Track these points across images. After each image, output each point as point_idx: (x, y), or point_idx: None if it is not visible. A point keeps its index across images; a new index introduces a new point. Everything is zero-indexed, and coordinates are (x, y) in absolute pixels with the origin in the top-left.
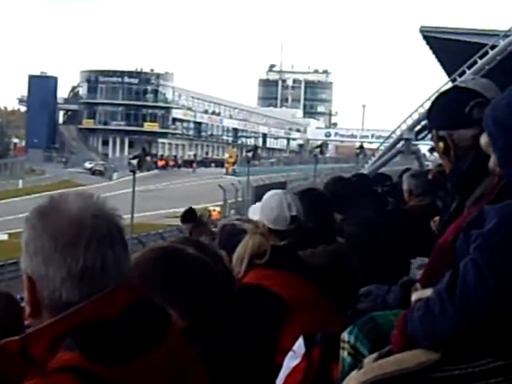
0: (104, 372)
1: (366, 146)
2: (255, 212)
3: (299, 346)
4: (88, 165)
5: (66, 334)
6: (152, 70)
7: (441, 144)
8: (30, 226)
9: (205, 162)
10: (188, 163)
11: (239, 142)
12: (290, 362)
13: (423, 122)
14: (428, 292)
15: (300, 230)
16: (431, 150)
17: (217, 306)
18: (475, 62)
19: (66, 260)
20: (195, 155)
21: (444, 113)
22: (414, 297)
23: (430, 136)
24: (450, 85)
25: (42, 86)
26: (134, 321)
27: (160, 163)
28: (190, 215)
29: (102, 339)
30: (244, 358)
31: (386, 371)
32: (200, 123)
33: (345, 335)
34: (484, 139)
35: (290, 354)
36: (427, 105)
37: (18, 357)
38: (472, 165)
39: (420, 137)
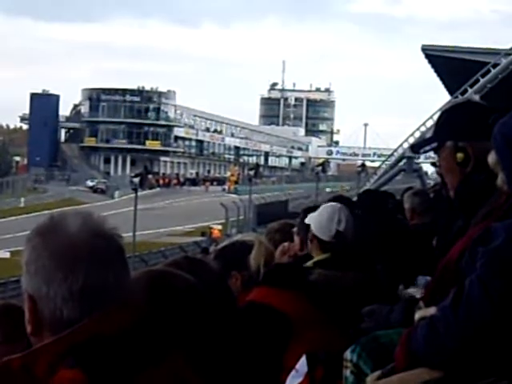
0: None
1: (367, 164)
2: (312, 216)
3: (302, 364)
4: (90, 183)
5: (67, 352)
6: (154, 89)
7: (460, 155)
8: (31, 246)
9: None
10: (191, 181)
11: (241, 160)
12: (293, 380)
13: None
14: (432, 310)
15: (343, 246)
16: (434, 164)
17: (208, 330)
18: (477, 81)
19: (66, 279)
20: (197, 173)
21: (466, 123)
22: (418, 315)
23: (427, 148)
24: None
25: (43, 104)
26: (134, 340)
27: (162, 181)
28: None
29: (102, 358)
30: (249, 377)
31: None
32: (202, 141)
33: (347, 354)
34: (492, 158)
35: (293, 372)
36: (429, 123)
37: (20, 374)
38: (490, 175)
39: (422, 150)
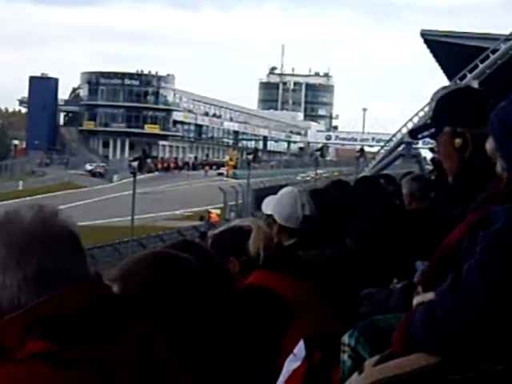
0: (71, 355)
1: (366, 149)
2: (269, 205)
3: (300, 348)
4: (88, 167)
5: (33, 326)
6: (153, 73)
7: (458, 140)
8: None
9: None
10: (189, 165)
11: (240, 144)
12: (291, 365)
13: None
14: (430, 295)
15: (311, 229)
16: (432, 150)
17: (209, 313)
18: (476, 66)
19: (20, 266)
20: (196, 157)
21: (464, 109)
22: (416, 300)
23: (426, 134)
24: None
25: (42, 88)
26: (95, 310)
27: (161, 165)
28: None
29: (67, 327)
30: (247, 361)
31: (385, 375)
32: (201, 126)
33: (345, 338)
34: (490, 144)
35: (291, 357)
36: (428, 108)
37: None
38: (488, 161)
39: (420, 136)
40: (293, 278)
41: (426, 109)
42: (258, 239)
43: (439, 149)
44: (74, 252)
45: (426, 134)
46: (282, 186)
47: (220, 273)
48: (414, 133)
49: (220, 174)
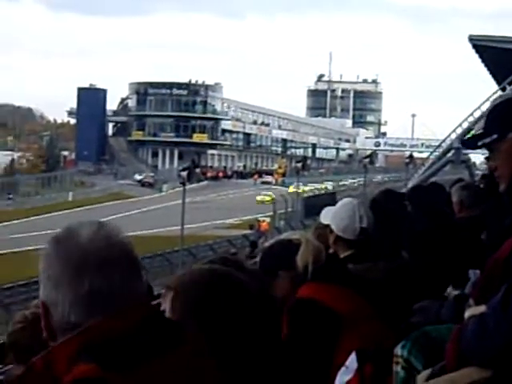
0: (118, 379)
1: (415, 155)
2: (327, 215)
3: (352, 360)
4: (138, 177)
5: (81, 350)
6: (201, 82)
7: None
8: (45, 254)
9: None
10: (238, 174)
11: (288, 152)
12: (343, 377)
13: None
14: (481, 308)
15: (367, 241)
16: (488, 159)
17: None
18: None
19: (73, 284)
20: (245, 166)
21: None
22: (468, 313)
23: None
24: (499, 93)
25: (91, 99)
26: (143, 332)
27: (209, 174)
28: None
29: (113, 350)
30: (299, 374)
31: None
32: (249, 134)
33: (398, 350)
34: None
35: (343, 369)
36: (477, 114)
37: (43, 374)
38: None
39: (481, 143)
40: (343, 291)
41: (476, 114)
42: (306, 252)
43: (500, 156)
44: (130, 271)
45: (487, 140)
46: (330, 194)
47: (263, 289)
48: (473, 140)
49: (265, 183)
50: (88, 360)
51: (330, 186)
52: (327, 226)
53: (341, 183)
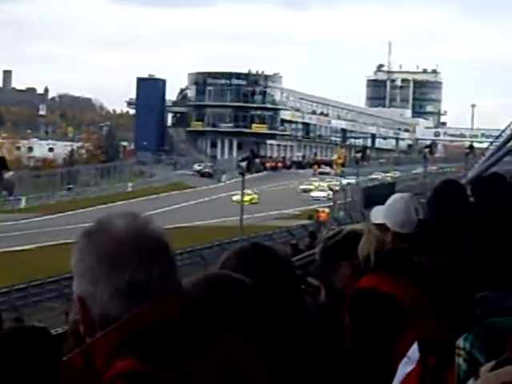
0: (158, 374)
1: (475, 145)
2: (377, 214)
3: (414, 351)
4: (197, 167)
5: (120, 344)
6: (260, 72)
7: None
8: (77, 248)
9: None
10: (297, 164)
11: (348, 142)
12: (405, 368)
13: None
14: None
15: (425, 233)
16: None
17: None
18: None
19: (111, 277)
20: (304, 156)
21: None
22: None
23: None
24: None
25: (150, 89)
26: (182, 323)
27: (268, 165)
28: None
29: (154, 343)
30: (362, 364)
31: (503, 381)
32: (308, 124)
33: (460, 342)
34: None
35: (405, 359)
36: None
37: (82, 369)
38: None
39: None
40: (404, 281)
41: None
42: (368, 242)
43: None
44: (166, 263)
45: None
46: (389, 184)
47: (286, 280)
48: None
49: (322, 174)
50: (128, 354)
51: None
52: (380, 225)
53: (400, 173)
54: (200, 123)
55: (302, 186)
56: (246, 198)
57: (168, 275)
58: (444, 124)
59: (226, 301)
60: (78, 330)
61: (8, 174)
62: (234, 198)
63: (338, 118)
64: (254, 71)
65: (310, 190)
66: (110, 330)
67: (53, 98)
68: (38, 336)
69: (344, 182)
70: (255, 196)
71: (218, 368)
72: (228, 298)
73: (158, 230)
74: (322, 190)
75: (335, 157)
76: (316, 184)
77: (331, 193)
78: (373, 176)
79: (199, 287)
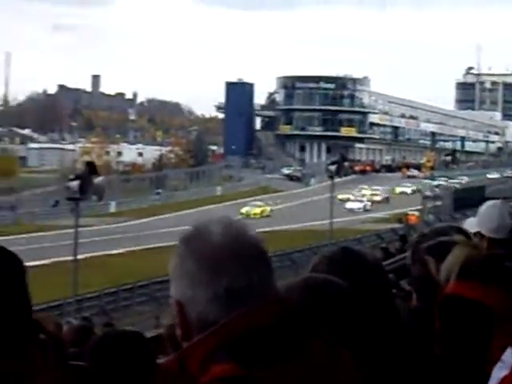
0: (254, 378)
1: None
2: (472, 223)
3: (508, 355)
4: (285, 170)
5: (217, 348)
6: (348, 75)
7: None
8: (176, 253)
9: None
10: (386, 168)
11: (437, 145)
12: (499, 372)
13: None
14: None
15: None
16: None
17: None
18: None
19: (210, 282)
20: (393, 159)
21: None
22: None
23: None
24: None
25: (239, 93)
26: (279, 328)
27: (357, 168)
28: None
29: (250, 348)
30: (453, 369)
31: None
32: (397, 127)
33: None
34: None
35: (499, 364)
36: None
37: (178, 374)
38: None
39: None
40: (496, 287)
41: None
42: (453, 261)
43: None
44: (264, 269)
45: None
46: (479, 188)
47: (375, 286)
48: None
49: (411, 177)
50: (224, 359)
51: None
52: (475, 234)
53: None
54: (288, 127)
55: (340, 196)
56: (257, 210)
57: (266, 281)
58: None
59: (324, 305)
60: (173, 334)
61: (98, 179)
62: (243, 209)
63: (427, 121)
64: (342, 74)
65: (348, 200)
66: (206, 334)
67: (141, 103)
68: (133, 340)
69: (434, 183)
70: (267, 208)
71: (312, 371)
72: (326, 302)
73: (255, 236)
74: (358, 201)
75: (424, 160)
76: (359, 193)
77: (369, 204)
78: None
79: (298, 291)
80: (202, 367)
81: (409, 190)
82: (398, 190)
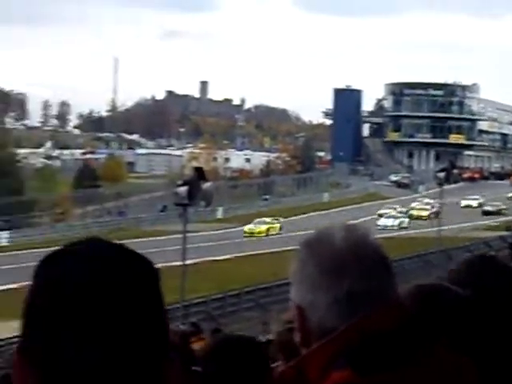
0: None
1: None
2: None
3: None
4: (393, 177)
5: (337, 354)
6: (457, 82)
7: None
8: (297, 258)
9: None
10: (495, 175)
11: None
12: None
13: None
14: None
15: None
16: None
17: None
18: None
19: (331, 287)
20: (502, 167)
21: None
22: None
23: None
24: None
25: (346, 100)
26: (398, 334)
27: (466, 175)
28: None
29: (370, 354)
30: None
31: None
32: (506, 135)
33: None
34: None
35: None
36: None
37: (295, 380)
38: None
39: None
40: None
41: None
42: None
43: None
44: (385, 274)
45: None
46: None
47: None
48: None
49: None
50: (344, 365)
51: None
52: None
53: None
54: (397, 133)
55: (381, 211)
56: (262, 227)
57: (387, 286)
58: None
59: (440, 312)
60: (286, 340)
61: (206, 185)
62: (246, 227)
63: None
64: (450, 81)
65: (258, 233)
66: (327, 340)
67: (249, 109)
68: (249, 345)
69: None
70: (277, 225)
71: (434, 378)
72: (441, 308)
73: (376, 241)
74: (392, 217)
75: None
76: (400, 209)
77: (406, 221)
78: None
79: (412, 297)
80: (322, 374)
81: (475, 203)
82: (464, 202)
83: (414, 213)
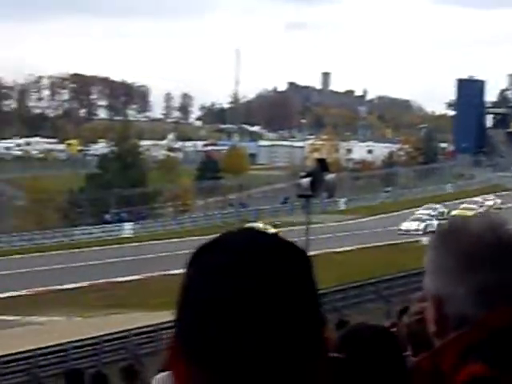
0: (507, 378)
1: None
2: None
3: None
4: None
5: (472, 346)
6: None
7: None
8: (432, 247)
9: None
10: None
11: None
12: None
13: None
14: None
15: None
16: None
17: None
18: None
19: (469, 278)
20: None
21: None
22: None
23: None
24: None
25: (469, 90)
26: None
27: None
28: None
29: (502, 346)
30: None
31: None
32: None
33: None
34: None
35: None
36: None
37: (430, 372)
38: None
39: None
40: None
41: None
42: None
43: None
44: None
45: None
46: None
47: None
48: None
49: None
50: (480, 357)
51: None
52: None
53: None
54: None
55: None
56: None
57: None
58: None
59: None
60: (417, 331)
61: (329, 176)
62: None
63: None
64: None
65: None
66: (464, 331)
67: (371, 100)
68: (383, 334)
69: None
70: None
71: None
72: None
73: None
74: (418, 220)
75: None
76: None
77: (435, 223)
78: None
79: None
80: (456, 366)
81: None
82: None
83: (457, 214)
